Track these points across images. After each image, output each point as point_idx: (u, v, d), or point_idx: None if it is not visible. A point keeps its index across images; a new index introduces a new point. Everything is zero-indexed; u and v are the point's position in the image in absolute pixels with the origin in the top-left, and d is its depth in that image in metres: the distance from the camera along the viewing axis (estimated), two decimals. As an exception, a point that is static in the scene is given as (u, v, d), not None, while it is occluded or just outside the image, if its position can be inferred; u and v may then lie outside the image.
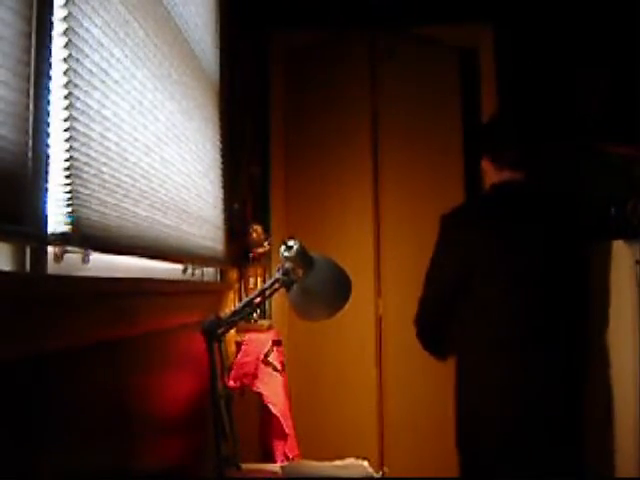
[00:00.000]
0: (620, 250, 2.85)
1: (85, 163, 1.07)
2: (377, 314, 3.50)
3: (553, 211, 2.37)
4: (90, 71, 1.11)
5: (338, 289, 1.66)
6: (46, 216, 0.95)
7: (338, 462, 1.87)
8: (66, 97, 1.02)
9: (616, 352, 2.93)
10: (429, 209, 2.49)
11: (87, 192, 1.07)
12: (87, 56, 1.10)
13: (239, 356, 2.35)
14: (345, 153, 3.56)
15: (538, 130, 2.61)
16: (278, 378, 2.41)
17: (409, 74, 3.58)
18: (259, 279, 2.65)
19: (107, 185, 1.17)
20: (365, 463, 1.85)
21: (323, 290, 1.64)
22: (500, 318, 2.24)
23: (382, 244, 3.52)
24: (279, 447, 2.38)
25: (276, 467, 1.90)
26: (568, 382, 2.25)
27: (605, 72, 3.40)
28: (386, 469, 1.78)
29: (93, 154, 1.11)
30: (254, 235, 2.71)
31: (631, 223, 3.06)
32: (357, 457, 1.91)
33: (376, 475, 1.77)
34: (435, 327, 2.35)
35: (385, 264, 3.51)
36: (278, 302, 3.21)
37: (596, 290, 3.09)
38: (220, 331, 1.60)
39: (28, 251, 0.93)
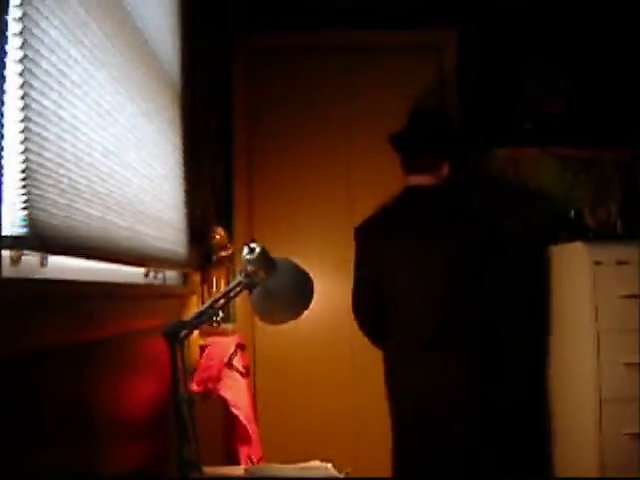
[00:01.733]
0: (579, 251, 2.90)
1: (41, 165, 1.05)
2: (348, 313, 3.51)
3: (449, 213, 2.61)
4: (47, 72, 1.09)
5: (300, 291, 1.67)
6: (1, 218, 0.94)
7: (302, 464, 1.87)
8: (22, 98, 1.01)
9: (574, 352, 2.98)
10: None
11: (43, 194, 1.06)
12: (44, 57, 1.09)
13: (203, 360, 2.34)
14: (313, 154, 3.57)
15: (455, 136, 2.82)
16: (242, 382, 2.41)
17: (379, 74, 3.59)
18: (222, 282, 2.64)
19: (64, 187, 1.15)
20: (329, 465, 1.86)
21: (285, 292, 1.64)
22: (405, 319, 2.56)
23: (352, 246, 3.53)
24: (243, 450, 2.37)
25: (239, 470, 1.90)
26: (465, 382, 2.42)
27: (563, 71, 3.46)
28: (349, 469, 1.78)
29: (49, 156, 1.09)
30: (217, 238, 2.70)
31: (589, 225, 3.12)
32: (322, 460, 1.91)
33: (340, 476, 1.77)
34: (367, 321, 2.72)
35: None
36: (242, 306, 3.20)
37: (548, 292, 3.17)
38: (182, 334, 1.59)
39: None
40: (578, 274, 2.92)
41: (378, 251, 2.62)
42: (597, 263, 2.85)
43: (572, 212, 3.21)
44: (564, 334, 3.07)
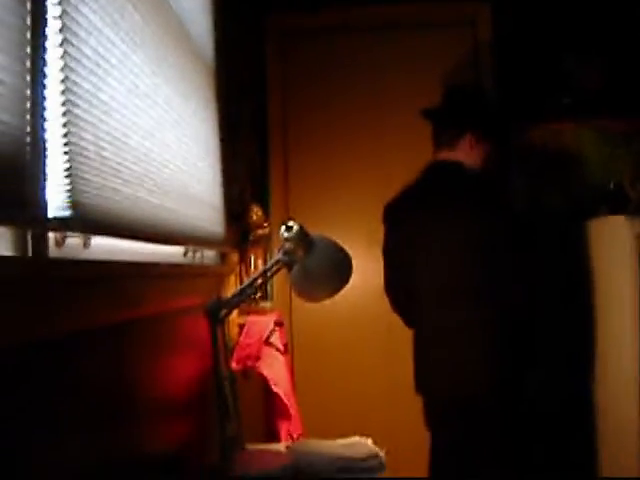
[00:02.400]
0: (619, 225, 2.85)
1: (84, 147, 1.07)
2: (383, 291, 3.51)
3: (466, 191, 2.52)
4: (86, 55, 1.11)
5: (338, 269, 1.67)
6: (46, 201, 0.96)
7: (342, 440, 1.88)
8: (62, 81, 1.02)
9: (616, 330, 2.94)
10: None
11: (86, 177, 1.08)
12: (83, 40, 1.10)
13: (242, 338, 2.37)
14: (347, 133, 3.56)
15: (483, 111, 2.73)
16: (281, 359, 2.43)
17: (412, 50, 3.56)
18: (260, 261, 2.66)
19: (106, 169, 1.17)
20: (369, 441, 1.87)
21: (323, 270, 1.65)
22: (431, 302, 2.52)
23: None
24: (283, 427, 2.40)
25: (280, 446, 1.92)
26: (494, 366, 2.38)
27: (600, 50, 3.39)
28: (387, 448, 1.80)
29: (91, 138, 1.11)
30: (254, 217, 2.72)
31: (630, 198, 3.07)
32: (361, 435, 1.93)
33: (380, 453, 1.78)
34: (397, 301, 2.72)
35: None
36: (280, 284, 3.22)
37: (589, 266, 3.12)
38: (223, 313, 1.61)
39: (29, 236, 0.94)
40: (620, 248, 2.88)
41: (402, 230, 2.61)
42: (639, 236, 2.80)
43: (612, 185, 3.16)
44: (606, 311, 3.03)
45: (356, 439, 1.90)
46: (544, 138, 3.37)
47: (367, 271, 3.48)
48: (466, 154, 2.57)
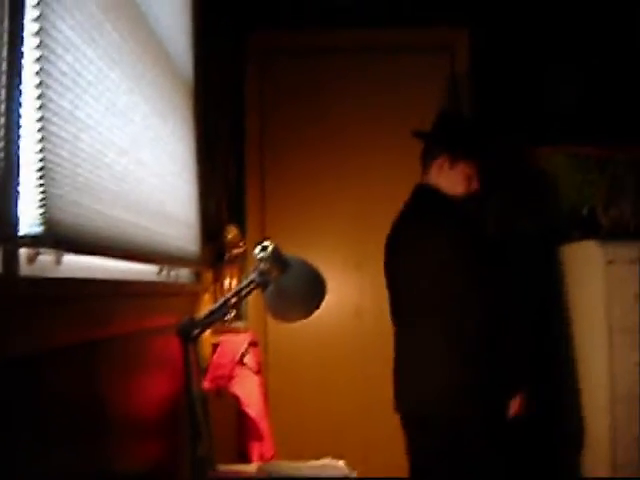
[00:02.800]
0: (591, 250, 2.89)
1: (58, 164, 1.06)
2: (358, 312, 3.51)
3: (441, 214, 2.58)
4: (63, 72, 1.10)
5: (313, 290, 1.67)
6: (18, 217, 0.95)
7: (314, 462, 1.88)
8: (38, 98, 1.02)
9: (587, 351, 2.97)
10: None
11: (60, 193, 1.07)
12: (60, 57, 1.09)
13: (215, 358, 2.35)
14: (325, 153, 3.57)
15: (461, 131, 2.75)
16: (254, 379, 2.42)
17: (391, 73, 3.59)
18: (234, 280, 2.65)
19: (80, 186, 1.16)
20: (341, 463, 1.86)
21: (298, 291, 1.65)
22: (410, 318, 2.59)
23: (364, 244, 3.53)
24: (255, 448, 2.38)
25: (252, 467, 1.90)
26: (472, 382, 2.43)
27: (579, 73, 3.45)
28: (358, 470, 1.79)
29: (66, 155, 1.10)
30: (229, 236, 2.71)
31: (602, 224, 3.11)
32: (334, 457, 1.92)
33: (352, 475, 1.78)
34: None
35: (367, 262, 3.52)
36: (254, 304, 3.21)
37: (562, 290, 3.16)
38: (195, 332, 1.60)
39: (0, 253, 0.93)
40: (591, 273, 2.91)
41: (386, 255, 2.72)
42: (610, 262, 2.84)
43: (585, 210, 3.20)
44: (577, 333, 3.06)
45: (328, 461, 1.89)
46: (519, 162, 3.41)
47: (342, 292, 3.48)
48: (440, 176, 2.61)
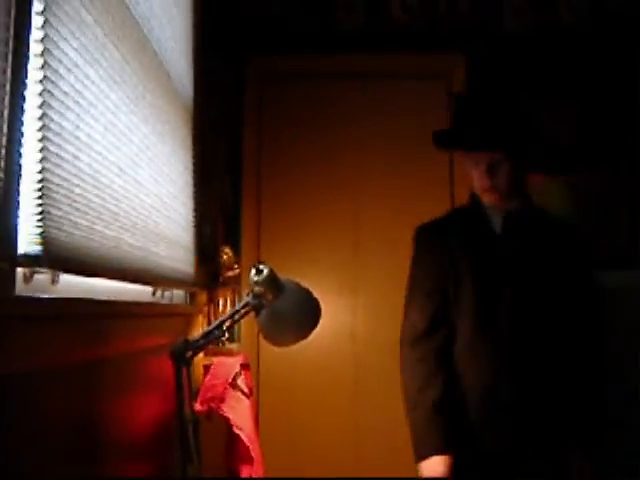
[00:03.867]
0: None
1: (57, 184, 1.07)
2: (352, 335, 3.51)
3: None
4: (65, 93, 1.11)
5: (307, 314, 1.67)
6: (16, 236, 0.95)
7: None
8: (40, 118, 1.02)
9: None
10: (408, 236, 2.48)
11: (58, 213, 1.07)
12: (62, 77, 1.11)
13: (207, 379, 2.34)
14: (322, 177, 3.58)
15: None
16: (245, 402, 2.40)
17: (389, 98, 3.62)
18: (228, 302, 2.65)
19: (78, 206, 1.16)
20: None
21: (292, 315, 1.64)
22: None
23: (359, 269, 3.54)
24: (245, 470, 2.36)
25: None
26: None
27: (574, 101, 3.48)
28: None
29: (65, 175, 1.11)
30: (224, 258, 2.72)
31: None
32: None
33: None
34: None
35: (361, 287, 3.53)
36: (247, 326, 3.20)
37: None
38: (188, 355, 1.59)
39: (-3, 272, 0.93)
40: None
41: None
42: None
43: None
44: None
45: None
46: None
47: (336, 316, 3.48)
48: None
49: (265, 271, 1.56)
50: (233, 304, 2.65)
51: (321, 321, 1.70)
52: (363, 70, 3.61)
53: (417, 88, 3.62)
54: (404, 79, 3.62)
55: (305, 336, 1.68)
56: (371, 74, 3.62)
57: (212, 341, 1.63)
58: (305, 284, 1.70)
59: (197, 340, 1.60)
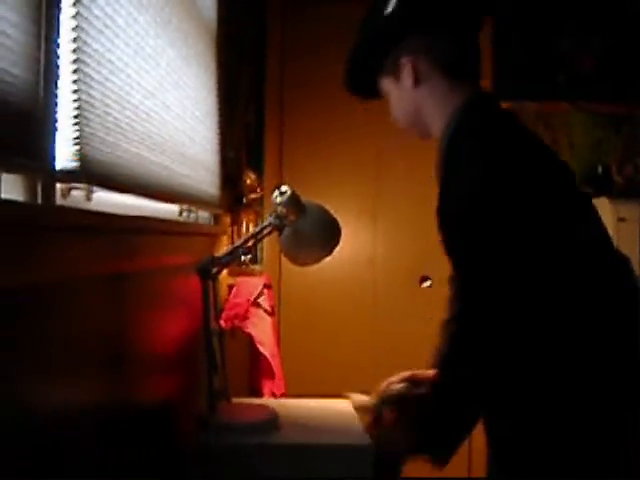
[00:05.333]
0: (603, 207, 2.93)
1: (91, 104, 1.13)
2: (371, 260, 3.59)
3: None
4: (97, 16, 1.16)
5: (327, 234, 1.74)
6: (55, 153, 1.01)
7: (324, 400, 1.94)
8: (74, 40, 1.07)
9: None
10: (428, 166, 2.50)
11: (93, 132, 1.13)
12: (94, 1, 1.15)
13: (231, 298, 2.44)
14: (344, 104, 3.59)
15: None
16: (268, 320, 2.51)
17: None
18: (251, 224, 2.72)
19: (111, 126, 1.22)
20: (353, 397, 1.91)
21: (313, 235, 1.71)
22: None
23: (379, 195, 3.59)
24: (267, 385, 2.48)
25: (265, 401, 1.99)
26: None
27: (597, 33, 3.44)
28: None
29: (98, 96, 1.16)
30: (248, 181, 2.78)
31: (615, 182, 3.14)
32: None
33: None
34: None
35: (381, 212, 3.59)
36: (270, 249, 3.29)
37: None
38: (214, 270, 1.67)
39: (39, 186, 1.00)
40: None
41: None
42: (621, 219, 2.88)
43: (600, 168, 3.23)
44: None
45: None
46: (536, 115, 3.43)
47: (356, 241, 3.56)
48: None
49: (288, 192, 1.62)
50: (256, 226, 2.72)
51: (341, 245, 1.76)
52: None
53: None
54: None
55: (325, 256, 1.75)
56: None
57: (236, 258, 1.71)
58: (327, 207, 1.76)
59: (222, 257, 1.68)
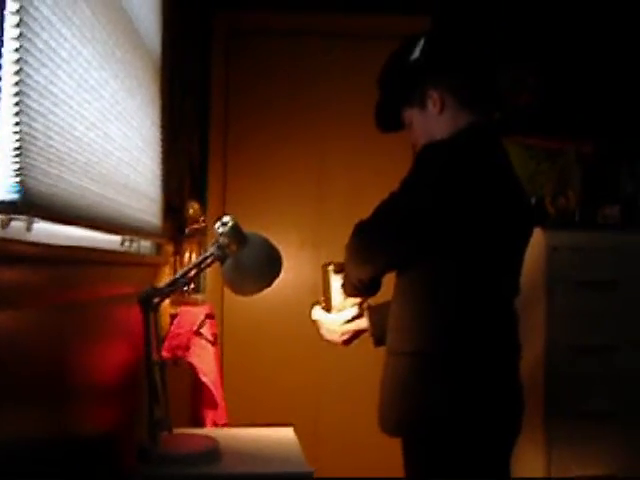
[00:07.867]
0: (537, 237, 3.03)
1: (33, 136, 1.13)
2: (313, 290, 3.61)
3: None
4: (40, 49, 1.17)
5: (269, 265, 1.77)
6: (-5, 185, 1.02)
7: (265, 430, 1.96)
8: (16, 73, 1.08)
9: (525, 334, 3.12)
10: (369, 192, 2.55)
11: (34, 163, 1.14)
12: (37, 35, 1.16)
13: (173, 328, 2.43)
14: (287, 134, 3.65)
15: None
16: (210, 350, 2.50)
17: (356, 59, 3.67)
18: (194, 254, 2.73)
19: (53, 157, 1.23)
20: (290, 430, 1.95)
21: (255, 265, 1.74)
22: None
23: (322, 224, 3.64)
24: (209, 415, 2.47)
25: (207, 431, 1.99)
26: None
27: (533, 66, 3.57)
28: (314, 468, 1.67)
29: (40, 128, 1.17)
30: (191, 211, 2.79)
31: (549, 213, 3.26)
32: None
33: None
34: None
35: (323, 242, 3.63)
36: (212, 278, 3.29)
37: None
38: (156, 301, 1.68)
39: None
40: (535, 258, 3.06)
41: None
42: (554, 248, 2.99)
43: (533, 199, 3.34)
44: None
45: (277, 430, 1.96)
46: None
47: (299, 270, 3.58)
48: None
49: (230, 223, 1.64)
50: (198, 256, 2.73)
51: (283, 275, 1.79)
52: (330, 29, 3.66)
53: (383, 49, 3.68)
54: (369, 40, 3.68)
55: (267, 286, 1.78)
56: (338, 34, 3.67)
57: (178, 289, 1.72)
58: (269, 238, 1.79)
59: (164, 287, 1.69)
